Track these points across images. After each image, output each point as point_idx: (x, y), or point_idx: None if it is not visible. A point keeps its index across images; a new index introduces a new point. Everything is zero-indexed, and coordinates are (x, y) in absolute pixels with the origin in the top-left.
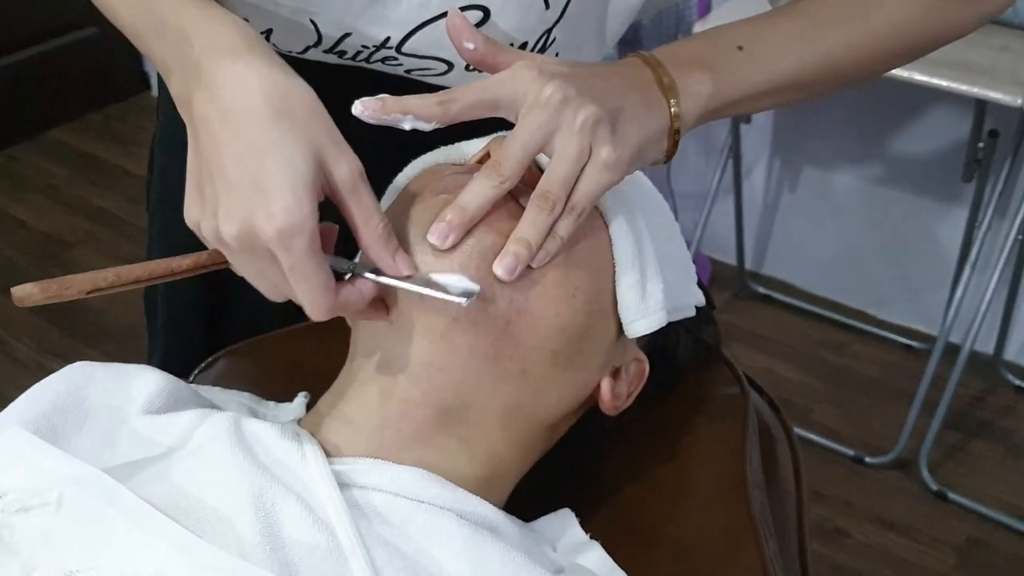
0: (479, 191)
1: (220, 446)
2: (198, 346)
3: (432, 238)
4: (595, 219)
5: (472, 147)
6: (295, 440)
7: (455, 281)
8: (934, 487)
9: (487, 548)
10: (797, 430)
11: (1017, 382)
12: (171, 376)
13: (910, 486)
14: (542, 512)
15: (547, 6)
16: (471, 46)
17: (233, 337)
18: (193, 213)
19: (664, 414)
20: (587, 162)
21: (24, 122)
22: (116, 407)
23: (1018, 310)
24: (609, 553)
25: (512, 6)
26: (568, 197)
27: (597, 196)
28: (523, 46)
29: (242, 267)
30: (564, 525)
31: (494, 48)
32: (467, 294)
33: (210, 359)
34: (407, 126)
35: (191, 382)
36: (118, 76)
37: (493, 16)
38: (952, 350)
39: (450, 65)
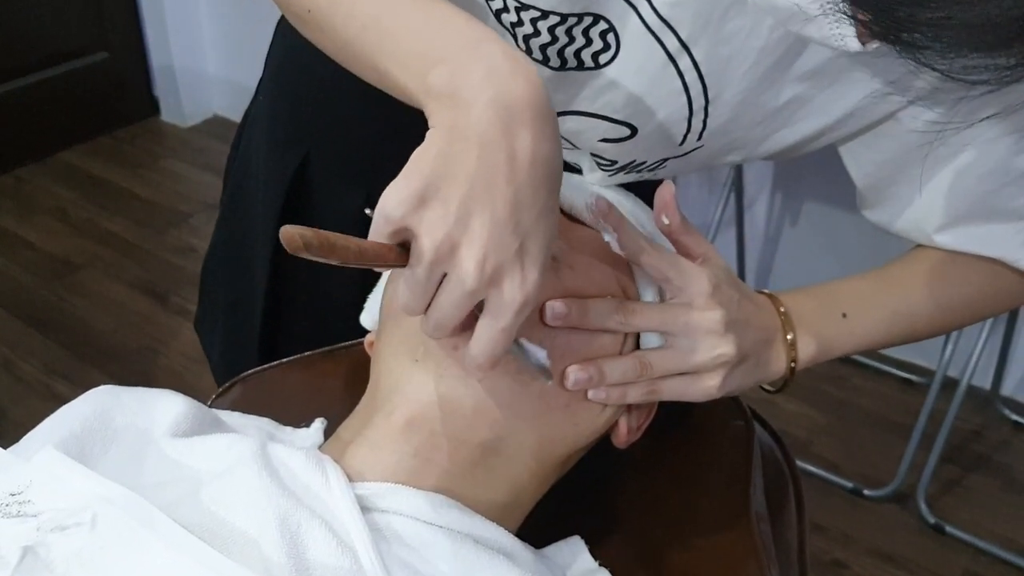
0: (621, 374)
1: (247, 470)
2: (253, 336)
3: (572, 378)
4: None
5: None
6: (319, 465)
7: (537, 352)
8: (932, 520)
9: (503, 573)
10: (797, 462)
11: (1014, 417)
12: (194, 400)
13: (908, 519)
14: (552, 539)
15: (681, 143)
16: (666, 221)
17: (294, 329)
18: (403, 207)
19: (671, 445)
20: (691, 376)
21: (34, 144)
22: (142, 430)
23: (1015, 346)
24: None
25: (656, 136)
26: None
27: (678, 398)
28: (641, 163)
29: (422, 277)
30: (574, 552)
31: (685, 230)
32: (544, 370)
33: (227, 384)
34: (606, 237)
35: (208, 407)
36: (128, 100)
37: (637, 136)
38: (950, 384)
39: (575, 148)
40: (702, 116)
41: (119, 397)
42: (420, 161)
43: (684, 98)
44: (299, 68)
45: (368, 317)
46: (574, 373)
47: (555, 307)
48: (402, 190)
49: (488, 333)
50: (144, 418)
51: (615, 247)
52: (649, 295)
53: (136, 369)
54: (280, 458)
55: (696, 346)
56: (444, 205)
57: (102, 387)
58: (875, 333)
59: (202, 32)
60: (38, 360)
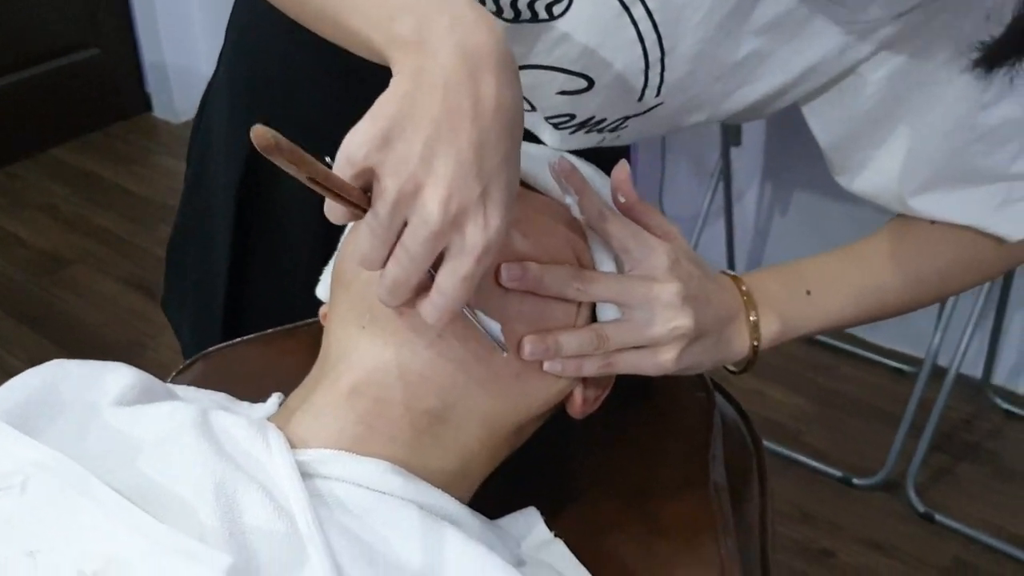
0: (578, 346)
1: (186, 436)
2: (219, 313)
3: (528, 350)
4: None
5: None
6: (261, 432)
7: (492, 326)
8: (921, 509)
9: (446, 538)
10: (785, 451)
11: (1005, 405)
12: (145, 373)
13: (897, 507)
14: (509, 511)
15: (640, 99)
16: (623, 200)
17: (257, 305)
18: (366, 147)
19: (631, 416)
20: (647, 349)
21: (25, 140)
22: (90, 401)
23: (1005, 334)
24: (573, 549)
25: (613, 89)
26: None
27: (633, 372)
28: (601, 121)
29: (385, 219)
30: (529, 523)
31: (644, 209)
32: (499, 342)
33: (188, 361)
34: (567, 200)
35: (169, 382)
36: (120, 97)
37: (594, 89)
38: (940, 373)
39: (534, 108)
40: (659, 69)
41: (69, 370)
42: (384, 104)
43: (639, 49)
44: (259, 38)
45: (323, 289)
46: (530, 344)
47: (511, 269)
48: (366, 131)
49: (449, 281)
50: (93, 390)
51: (575, 211)
52: (606, 265)
53: (125, 363)
54: (222, 425)
55: (653, 318)
56: (408, 146)
57: (54, 360)
58: (842, 310)
59: (194, 28)
60: (27, 355)
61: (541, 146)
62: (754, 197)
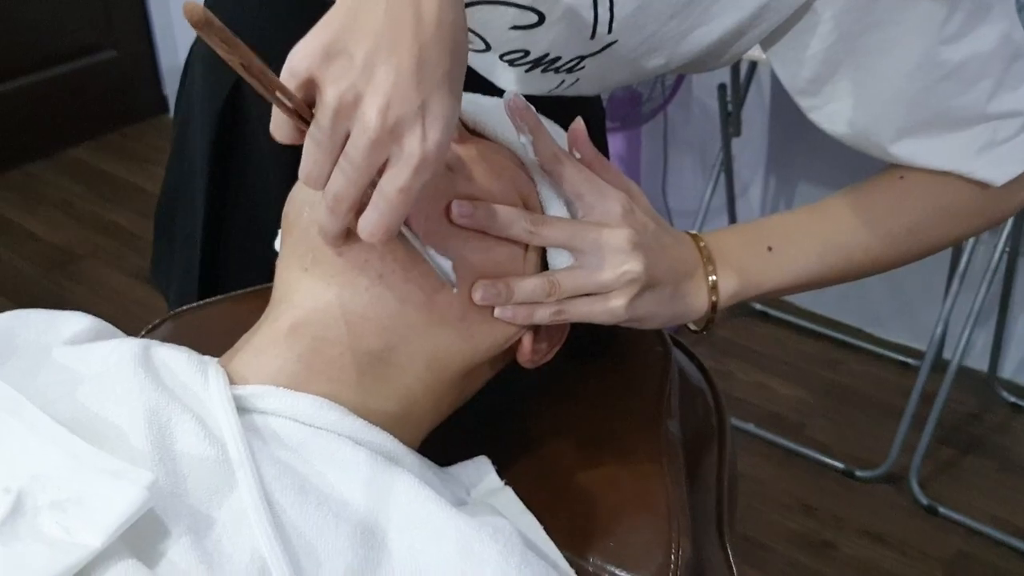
0: (530, 292)
1: (125, 368)
2: (197, 274)
3: (480, 295)
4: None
5: None
6: (200, 366)
7: (443, 261)
8: (924, 501)
9: (382, 472)
10: (788, 444)
11: (1012, 399)
12: (102, 321)
13: (900, 500)
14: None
15: (592, 36)
16: (579, 155)
17: (231, 265)
18: (309, 59)
19: (587, 369)
20: (598, 296)
21: (42, 140)
22: (44, 345)
23: (1011, 327)
24: (523, 499)
25: (564, 24)
26: (563, 300)
27: (584, 319)
28: (556, 59)
29: (326, 129)
30: (480, 472)
31: (601, 165)
32: (449, 279)
33: (157, 321)
34: (521, 139)
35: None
36: (137, 98)
37: (546, 23)
38: (945, 366)
39: (488, 47)
40: (608, 3)
41: (27, 317)
42: (327, 19)
43: None
44: None
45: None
46: (482, 288)
47: (462, 205)
48: (309, 44)
49: (385, 193)
50: (49, 334)
51: (530, 152)
52: (556, 211)
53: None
54: (162, 358)
55: (602, 263)
56: (349, 57)
57: (14, 311)
58: (806, 266)
59: None
60: None
61: (494, 98)
62: (758, 191)
